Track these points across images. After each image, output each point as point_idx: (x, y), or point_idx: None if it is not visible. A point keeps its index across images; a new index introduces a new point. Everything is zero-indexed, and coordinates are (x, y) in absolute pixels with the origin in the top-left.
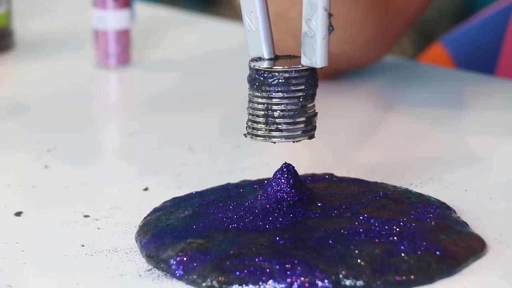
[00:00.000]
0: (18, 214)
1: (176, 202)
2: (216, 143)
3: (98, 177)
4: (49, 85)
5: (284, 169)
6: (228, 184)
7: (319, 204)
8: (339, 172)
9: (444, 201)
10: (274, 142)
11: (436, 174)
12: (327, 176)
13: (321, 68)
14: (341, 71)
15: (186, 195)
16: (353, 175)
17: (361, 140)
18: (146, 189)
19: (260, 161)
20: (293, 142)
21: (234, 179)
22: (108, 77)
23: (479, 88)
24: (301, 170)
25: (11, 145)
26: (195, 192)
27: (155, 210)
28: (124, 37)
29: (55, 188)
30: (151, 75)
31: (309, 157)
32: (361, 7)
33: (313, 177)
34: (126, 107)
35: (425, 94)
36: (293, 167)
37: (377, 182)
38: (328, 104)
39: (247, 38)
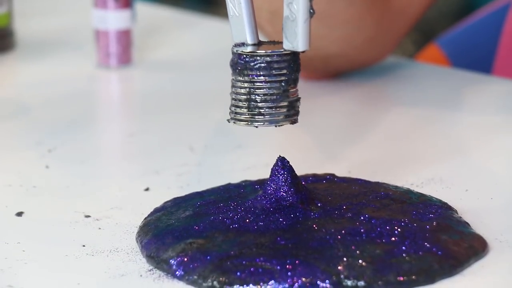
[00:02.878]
0: (19, 214)
1: (177, 203)
2: (216, 143)
3: (99, 177)
4: (50, 85)
5: (280, 164)
6: (229, 184)
7: (319, 204)
8: (340, 172)
9: (445, 201)
10: (257, 127)
11: (437, 174)
12: (328, 177)
13: (303, 52)
14: (341, 71)
15: (186, 195)
16: (354, 175)
17: (362, 140)
18: (147, 189)
19: (261, 161)
20: (276, 126)
21: (235, 179)
22: (109, 77)
23: (478, 87)
24: (302, 170)
25: (12, 145)
26: (195, 192)
27: (156, 210)
28: (125, 37)
29: (56, 188)
30: (152, 75)
31: (310, 157)
32: (358, 5)
33: (314, 177)
34: (127, 107)
35: (426, 94)
36: (288, 161)
37: (378, 182)
38: (329, 103)
39: (230, 23)
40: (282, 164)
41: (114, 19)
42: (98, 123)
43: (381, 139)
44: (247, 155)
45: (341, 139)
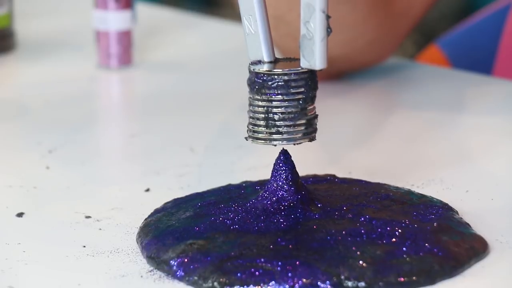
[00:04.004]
0: (20, 215)
1: (177, 203)
2: (217, 144)
3: (100, 178)
4: (50, 86)
5: (282, 158)
6: (229, 185)
7: (319, 205)
8: (341, 173)
9: (446, 202)
10: (275, 145)
11: (438, 175)
12: (328, 177)
13: (320, 70)
14: (343, 72)
15: (187, 196)
16: (354, 176)
17: (362, 141)
18: (147, 190)
19: (262, 162)
20: (294, 144)
21: (235, 180)
22: (109, 78)
23: (479, 88)
24: (303, 171)
25: (13, 146)
26: (196, 193)
27: (156, 211)
28: (125, 38)
29: (57, 189)
30: (153, 76)
31: (310, 158)
32: (361, 9)
33: (315, 178)
34: (127, 108)
35: (426, 95)
36: (290, 156)
37: (379, 183)
38: (330, 105)
39: (246, 41)
40: (285, 158)
41: (115, 20)
42: (99, 124)
43: (381, 140)
44: (248, 156)
45: (342, 140)
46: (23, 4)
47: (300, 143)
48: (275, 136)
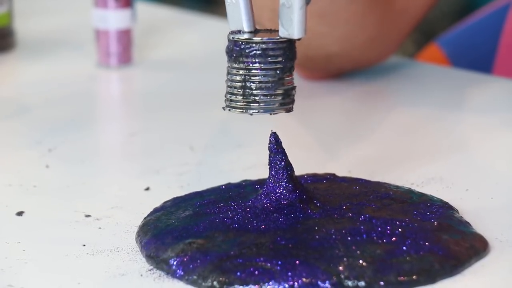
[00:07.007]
0: (20, 213)
1: (176, 202)
2: (217, 143)
3: (99, 176)
4: (50, 84)
5: (273, 140)
6: (229, 184)
7: (318, 204)
8: (340, 172)
9: (446, 201)
10: (251, 114)
11: (438, 173)
12: (328, 176)
13: (298, 39)
14: (344, 70)
15: (186, 195)
16: (354, 175)
17: (362, 140)
18: (147, 188)
19: (261, 161)
20: (271, 114)
21: (235, 178)
22: (109, 77)
23: (479, 87)
24: (302, 170)
25: (12, 145)
26: (195, 192)
27: (155, 210)
28: (125, 37)
29: (56, 187)
30: (152, 75)
31: (310, 157)
32: (359, 3)
33: (315, 177)
34: (127, 107)
35: (426, 94)
36: (281, 141)
37: (379, 182)
38: (329, 103)
39: (227, 11)
40: (276, 143)
41: (115, 19)
42: (99, 122)
43: (381, 139)
44: (247, 155)
45: (342, 138)
46: (22, 2)
47: (277, 113)
48: (252, 105)
